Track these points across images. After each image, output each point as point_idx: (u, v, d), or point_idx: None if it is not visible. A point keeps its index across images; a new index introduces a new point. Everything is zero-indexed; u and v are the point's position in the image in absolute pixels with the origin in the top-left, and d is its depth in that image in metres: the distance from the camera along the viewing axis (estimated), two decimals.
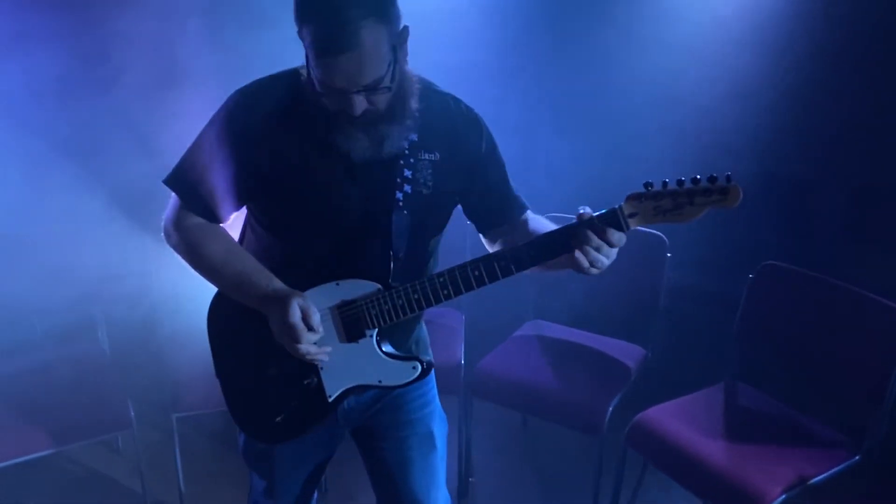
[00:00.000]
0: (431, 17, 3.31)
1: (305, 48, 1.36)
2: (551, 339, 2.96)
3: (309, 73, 1.39)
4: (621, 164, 3.06)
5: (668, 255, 2.74)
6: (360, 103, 1.37)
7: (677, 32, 3.06)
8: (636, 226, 1.38)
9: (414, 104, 1.48)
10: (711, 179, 1.34)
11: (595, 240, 1.38)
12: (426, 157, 1.54)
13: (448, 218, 1.64)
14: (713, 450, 2.25)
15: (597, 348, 2.87)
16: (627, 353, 2.83)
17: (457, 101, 1.61)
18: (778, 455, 2.23)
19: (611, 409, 2.50)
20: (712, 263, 3.11)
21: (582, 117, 3.33)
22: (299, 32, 1.35)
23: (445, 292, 1.47)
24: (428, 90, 1.56)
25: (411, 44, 1.45)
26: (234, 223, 1.65)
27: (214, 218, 1.56)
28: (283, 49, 1.63)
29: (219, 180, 1.52)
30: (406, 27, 1.42)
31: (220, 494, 2.81)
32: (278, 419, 1.61)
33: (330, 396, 1.57)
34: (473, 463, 2.95)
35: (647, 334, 2.86)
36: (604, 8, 3.19)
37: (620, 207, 1.38)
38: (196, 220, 1.56)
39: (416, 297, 1.48)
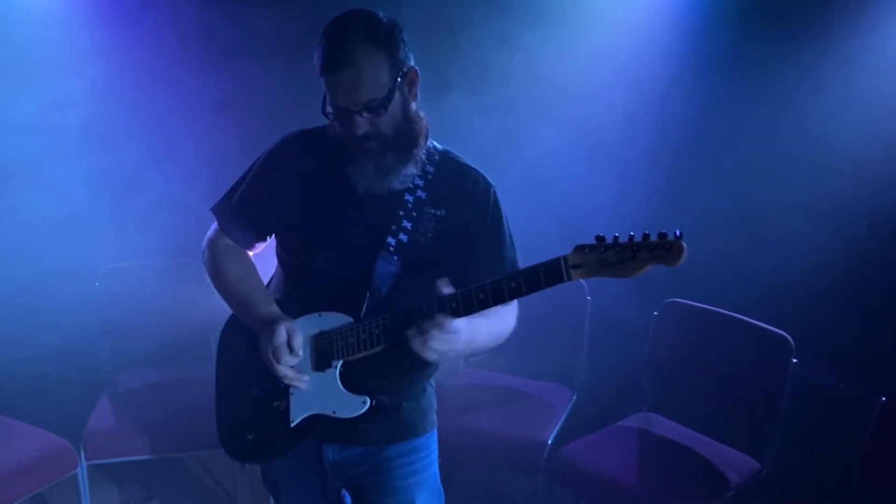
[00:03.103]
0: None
1: (318, 74, 1.49)
2: (655, 436, 2.71)
3: (326, 104, 1.52)
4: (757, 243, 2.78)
5: (794, 360, 2.40)
6: (361, 123, 1.49)
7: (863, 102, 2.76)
8: (579, 278, 1.33)
9: (423, 144, 1.56)
10: (661, 235, 1.27)
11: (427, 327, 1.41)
12: (431, 211, 1.59)
13: (445, 275, 1.60)
14: None
15: (701, 453, 2.57)
16: (735, 464, 2.50)
17: (473, 170, 1.65)
18: None
19: None
20: (847, 366, 2.66)
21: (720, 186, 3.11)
22: (315, 63, 1.50)
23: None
24: (446, 157, 1.64)
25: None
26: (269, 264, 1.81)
27: (243, 242, 1.75)
28: None
29: (252, 208, 1.71)
30: (413, 69, 1.51)
31: None
32: (250, 437, 1.70)
33: (292, 421, 1.62)
34: None
35: (763, 446, 2.50)
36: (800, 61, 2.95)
37: (566, 257, 1.34)
38: (227, 242, 1.76)
39: (377, 331, 1.50)
